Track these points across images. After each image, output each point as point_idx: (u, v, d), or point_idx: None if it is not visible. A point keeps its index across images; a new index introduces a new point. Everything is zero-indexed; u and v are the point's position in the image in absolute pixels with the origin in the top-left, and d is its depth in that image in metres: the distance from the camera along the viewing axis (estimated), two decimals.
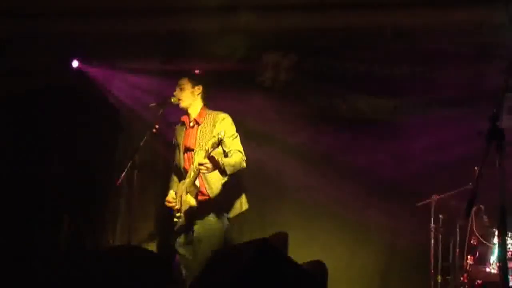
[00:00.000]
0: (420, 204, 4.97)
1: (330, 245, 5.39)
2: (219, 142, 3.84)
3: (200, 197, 4.12)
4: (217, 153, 4.07)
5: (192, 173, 4.11)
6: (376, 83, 5.42)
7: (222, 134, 3.84)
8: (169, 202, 4.24)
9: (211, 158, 3.88)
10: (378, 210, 5.34)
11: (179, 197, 4.21)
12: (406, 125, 5.34)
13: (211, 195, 4.11)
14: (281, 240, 4.68)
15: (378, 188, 5.35)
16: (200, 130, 4.21)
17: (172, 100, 4.29)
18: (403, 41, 5.18)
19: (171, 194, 4.27)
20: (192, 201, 4.08)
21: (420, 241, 5.06)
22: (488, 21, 4.88)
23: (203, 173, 4.00)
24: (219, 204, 4.15)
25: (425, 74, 5.34)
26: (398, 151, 5.30)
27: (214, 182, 4.12)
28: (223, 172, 4.02)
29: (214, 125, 4.17)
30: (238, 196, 4.25)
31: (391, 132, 5.35)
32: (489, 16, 4.86)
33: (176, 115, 4.46)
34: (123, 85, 5.67)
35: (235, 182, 4.20)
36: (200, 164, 3.89)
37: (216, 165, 3.93)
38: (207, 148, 3.88)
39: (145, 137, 4.30)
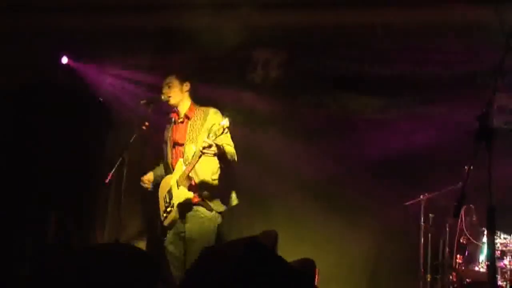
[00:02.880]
0: (409, 203, 4.97)
1: (318, 243, 5.38)
2: (224, 130, 3.83)
3: (192, 191, 4.10)
4: None
5: (184, 166, 4.08)
6: (366, 82, 5.40)
7: (226, 123, 3.82)
8: (144, 182, 4.34)
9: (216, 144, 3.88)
10: (367, 208, 5.34)
11: (167, 191, 4.18)
12: (396, 123, 5.34)
13: (201, 190, 4.08)
14: (271, 238, 4.67)
15: (367, 186, 5.33)
16: (190, 125, 4.21)
17: (162, 97, 4.28)
18: (393, 40, 5.16)
19: (149, 175, 4.36)
20: (188, 194, 4.05)
21: (409, 240, 5.06)
22: (478, 21, 4.88)
23: (207, 156, 3.95)
24: (209, 197, 4.12)
25: (416, 73, 5.31)
26: (388, 149, 5.27)
27: (204, 175, 4.09)
28: (224, 156, 4.01)
29: (205, 119, 4.17)
30: (228, 191, 4.23)
31: (381, 130, 5.33)
32: (479, 15, 4.87)
33: (166, 112, 4.44)
34: (112, 81, 5.63)
35: (225, 178, 4.19)
36: (207, 147, 3.84)
37: (218, 148, 3.92)
38: (211, 136, 3.85)
39: (135, 134, 4.30)
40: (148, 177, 4.39)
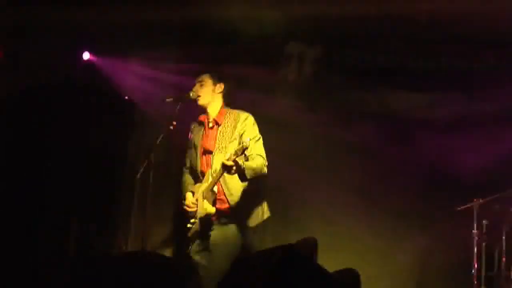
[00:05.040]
0: (461, 208, 4.66)
1: (359, 252, 5.05)
2: (243, 151, 3.55)
3: (219, 205, 3.86)
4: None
5: (211, 178, 3.85)
6: (409, 76, 5.09)
7: (248, 142, 3.56)
8: (189, 207, 3.97)
9: (234, 161, 3.62)
10: (414, 215, 5.03)
11: (195, 199, 3.96)
12: (443, 122, 5.03)
13: (231, 203, 3.85)
14: (310, 246, 4.38)
15: (413, 190, 5.03)
16: (220, 131, 3.95)
17: (191, 94, 4.01)
18: (440, 30, 4.82)
19: (189, 197, 4.00)
20: (210, 209, 3.82)
21: (461, 249, 4.77)
22: None
23: (226, 174, 3.73)
24: (239, 212, 3.88)
25: (465, 66, 4.97)
26: (434, 150, 4.99)
27: (235, 187, 3.85)
28: (243, 176, 3.73)
29: (235, 126, 3.91)
30: (259, 203, 3.97)
31: (428, 129, 5.02)
32: None
33: (194, 112, 4.17)
34: (136, 78, 5.41)
35: (256, 189, 3.93)
36: (225, 166, 3.60)
37: (238, 168, 3.64)
38: (229, 156, 3.60)
39: (162, 135, 4.05)
40: (191, 200, 3.99)
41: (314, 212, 5.23)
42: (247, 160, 3.75)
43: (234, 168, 3.60)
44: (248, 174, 3.72)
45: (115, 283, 3.31)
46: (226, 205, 3.85)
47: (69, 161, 5.22)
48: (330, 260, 4.24)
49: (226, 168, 3.61)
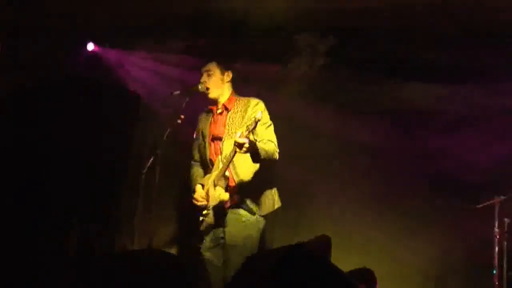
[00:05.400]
0: (480, 206, 4.44)
1: (371, 251, 4.91)
2: (255, 125, 3.45)
3: (230, 192, 3.74)
4: None
5: (221, 165, 3.73)
6: (424, 69, 4.87)
7: (260, 115, 3.47)
8: (198, 200, 3.83)
9: (246, 137, 3.51)
10: (429, 212, 4.84)
11: (206, 192, 3.82)
12: (460, 116, 4.84)
13: (241, 190, 3.71)
14: (323, 244, 4.27)
15: (428, 187, 4.84)
16: (230, 117, 3.84)
17: (199, 87, 3.91)
18: (455, 20, 4.61)
19: (199, 190, 3.86)
20: (224, 195, 3.70)
21: (479, 248, 4.57)
22: None
23: (240, 153, 3.57)
24: (250, 198, 3.75)
25: (480, 59, 4.71)
26: (451, 145, 4.78)
27: (245, 174, 3.74)
28: (256, 155, 3.59)
29: (245, 111, 3.81)
30: (270, 192, 3.86)
31: (442, 124, 4.86)
32: None
33: (201, 106, 4.07)
34: (141, 70, 5.25)
35: (266, 177, 3.83)
36: (238, 144, 3.46)
37: (251, 145, 3.51)
38: (241, 133, 3.48)
39: (169, 129, 3.94)
40: (201, 193, 3.85)
41: (324, 209, 5.08)
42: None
43: (247, 145, 3.46)
44: (262, 154, 3.60)
45: (115, 282, 3.18)
46: (237, 194, 3.74)
47: (69, 160, 5.10)
48: (339, 260, 4.10)
49: (238, 147, 3.48)
